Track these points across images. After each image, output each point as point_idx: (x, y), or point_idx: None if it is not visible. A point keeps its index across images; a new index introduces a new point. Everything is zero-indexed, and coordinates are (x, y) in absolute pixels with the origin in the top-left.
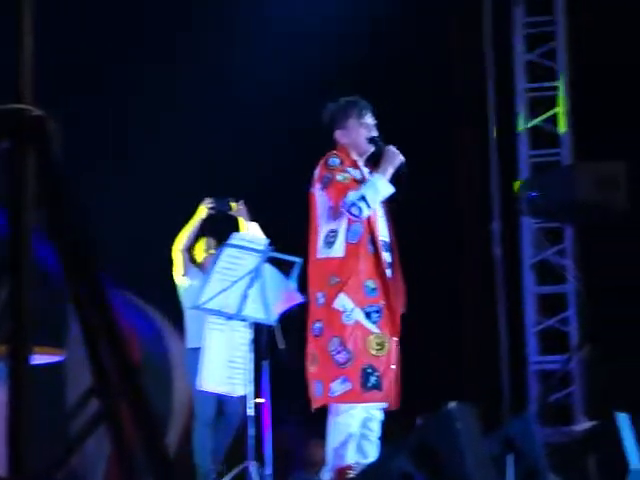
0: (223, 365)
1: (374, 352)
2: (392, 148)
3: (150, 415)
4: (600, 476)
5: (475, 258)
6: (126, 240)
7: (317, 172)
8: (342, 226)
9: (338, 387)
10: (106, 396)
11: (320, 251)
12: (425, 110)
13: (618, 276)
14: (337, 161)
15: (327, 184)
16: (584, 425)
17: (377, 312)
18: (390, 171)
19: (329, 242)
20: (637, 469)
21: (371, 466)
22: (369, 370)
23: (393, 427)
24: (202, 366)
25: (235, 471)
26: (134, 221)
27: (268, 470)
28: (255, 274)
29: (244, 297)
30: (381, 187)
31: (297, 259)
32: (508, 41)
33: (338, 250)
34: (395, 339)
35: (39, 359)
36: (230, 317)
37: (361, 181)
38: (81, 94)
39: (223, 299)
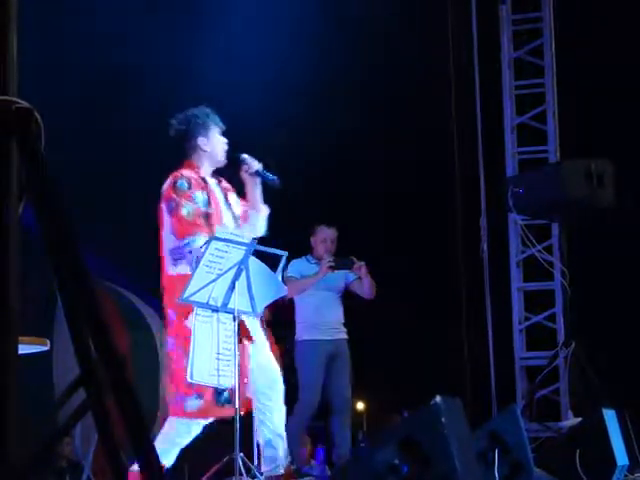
0: (210, 357)
1: None
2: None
3: (136, 405)
4: (586, 472)
5: (464, 254)
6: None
7: (165, 190)
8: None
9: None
10: (92, 386)
11: (168, 267)
12: (415, 110)
13: (604, 272)
14: (185, 185)
15: (172, 212)
16: (571, 421)
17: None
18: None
19: (175, 259)
20: (623, 465)
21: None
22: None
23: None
24: (192, 359)
25: (221, 463)
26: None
27: (255, 462)
28: (241, 267)
29: (231, 289)
30: None
31: (283, 252)
32: (495, 39)
33: (185, 268)
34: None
35: (25, 349)
36: (216, 310)
37: (206, 205)
38: None
39: (209, 292)
